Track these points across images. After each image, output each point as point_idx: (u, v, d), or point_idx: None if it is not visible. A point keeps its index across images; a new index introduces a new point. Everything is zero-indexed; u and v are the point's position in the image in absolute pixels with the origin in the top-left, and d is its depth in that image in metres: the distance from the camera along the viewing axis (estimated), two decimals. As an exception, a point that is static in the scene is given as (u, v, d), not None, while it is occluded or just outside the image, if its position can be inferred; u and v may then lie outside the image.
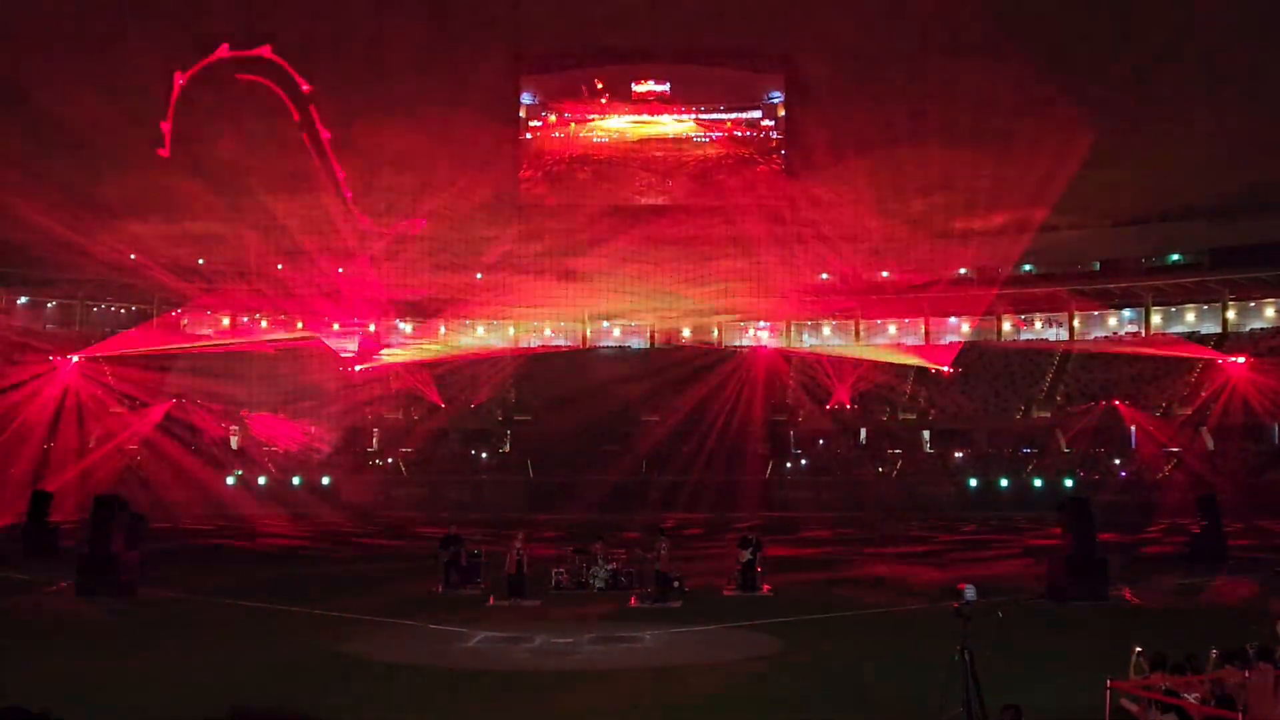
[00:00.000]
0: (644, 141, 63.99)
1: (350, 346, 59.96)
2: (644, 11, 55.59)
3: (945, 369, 57.80)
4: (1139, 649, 11.29)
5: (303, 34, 47.36)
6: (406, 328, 63.81)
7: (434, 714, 13.52)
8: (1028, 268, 59.86)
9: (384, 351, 60.26)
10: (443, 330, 63.69)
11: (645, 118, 63.92)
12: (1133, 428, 51.86)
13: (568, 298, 61.06)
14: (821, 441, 56.29)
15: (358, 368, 58.59)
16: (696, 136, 64.27)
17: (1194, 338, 56.06)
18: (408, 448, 54.98)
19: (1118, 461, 51.00)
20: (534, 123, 64.62)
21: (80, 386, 50.26)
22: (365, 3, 52.43)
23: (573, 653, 17.04)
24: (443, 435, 55.91)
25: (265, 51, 35.86)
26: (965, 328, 61.66)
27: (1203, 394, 51.89)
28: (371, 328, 62.11)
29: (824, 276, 61.15)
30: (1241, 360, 51.36)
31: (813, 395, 57.66)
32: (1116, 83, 49.41)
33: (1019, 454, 52.86)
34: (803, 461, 54.89)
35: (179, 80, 38.70)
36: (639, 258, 58.39)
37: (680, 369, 58.21)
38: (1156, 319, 58.60)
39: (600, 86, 63.57)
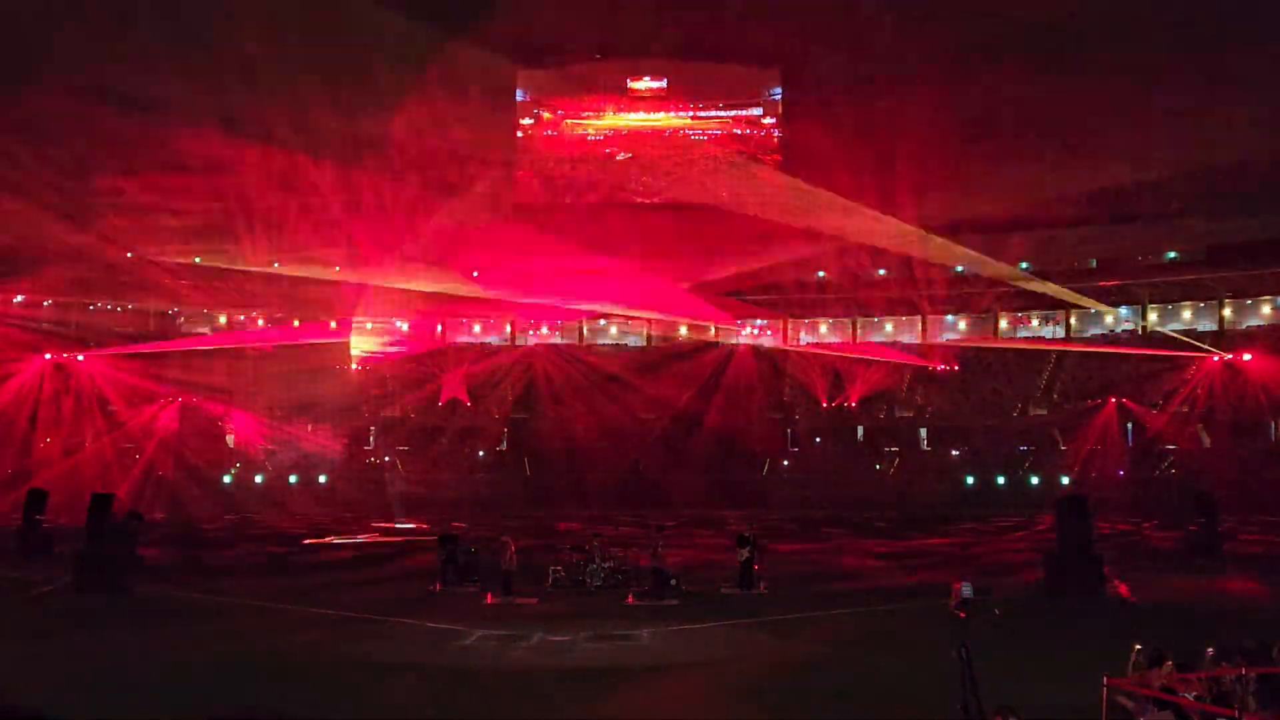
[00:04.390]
0: (640, 138, 63.82)
1: (348, 343, 59.86)
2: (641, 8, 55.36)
3: (942, 367, 57.84)
4: (1138, 646, 11.28)
5: (297, 27, 47.04)
6: (403, 325, 63.70)
7: (431, 712, 13.51)
8: (1024, 265, 59.85)
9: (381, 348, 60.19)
10: (439, 329, 63.60)
11: (642, 115, 63.74)
12: (1129, 425, 51.90)
13: (564, 295, 61.00)
14: (818, 439, 56.32)
15: (355, 365, 58.56)
16: (694, 135, 64.12)
17: (1191, 335, 56.09)
18: (404, 446, 55.01)
19: (1115, 459, 51.01)
20: (526, 120, 64.28)
21: (75, 384, 50.28)
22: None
23: (570, 651, 17.04)
24: (439, 433, 55.87)
25: None
26: (962, 325, 61.72)
27: (1200, 391, 51.94)
28: (369, 325, 61.98)
29: (820, 275, 61.11)
30: (1235, 357, 51.48)
31: (810, 393, 57.68)
32: (1114, 79, 49.31)
33: (1016, 452, 52.88)
34: (800, 459, 54.92)
35: None
36: (635, 255, 58.24)
37: (677, 367, 58.21)
38: (1153, 317, 58.64)
39: (596, 83, 63.35)
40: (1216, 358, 52.21)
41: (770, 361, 60.59)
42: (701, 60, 62.07)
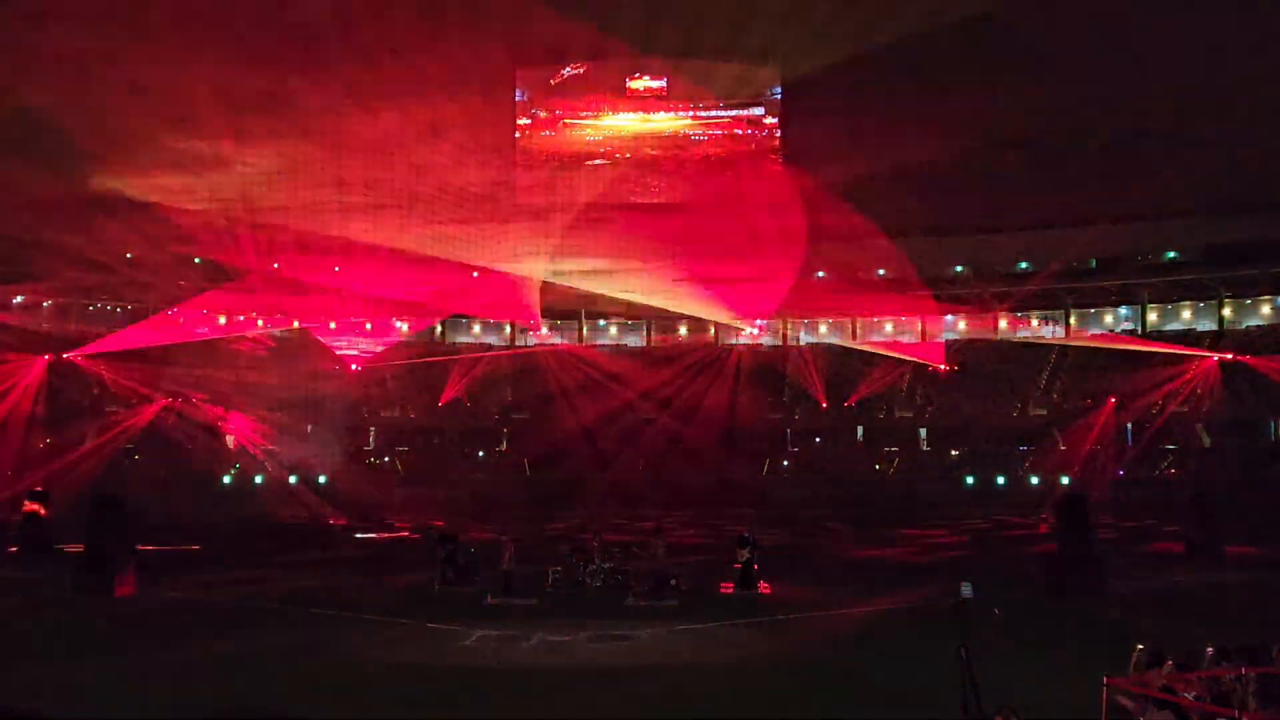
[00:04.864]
0: (639, 139, 63.71)
1: (347, 344, 59.87)
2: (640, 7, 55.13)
3: (942, 366, 57.90)
4: (1141, 646, 11.27)
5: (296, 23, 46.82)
6: (403, 326, 63.80)
7: (432, 712, 13.51)
8: (1024, 265, 59.88)
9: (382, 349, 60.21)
10: (439, 329, 63.66)
11: (641, 115, 63.60)
12: (1129, 425, 51.91)
13: (564, 296, 61.11)
14: (818, 439, 56.35)
15: (355, 366, 58.59)
16: (695, 135, 63.99)
17: (1190, 335, 56.14)
18: (404, 446, 55.01)
19: (1114, 459, 51.01)
20: (523, 120, 64.03)
21: (75, 385, 50.32)
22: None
23: (569, 651, 17.05)
24: (439, 434, 55.86)
25: None
26: (962, 325, 61.72)
27: (1199, 391, 51.99)
28: (368, 326, 62.04)
29: (820, 275, 61.11)
30: (1235, 358, 51.58)
31: (809, 393, 57.71)
32: (1113, 78, 49.32)
33: (1016, 452, 52.88)
34: (799, 459, 54.96)
35: None
36: (635, 256, 58.21)
37: (677, 367, 58.26)
38: (1153, 316, 58.71)
39: (595, 83, 63.17)
40: (1216, 358, 52.27)
41: (769, 361, 60.66)
42: (701, 59, 61.84)
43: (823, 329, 63.97)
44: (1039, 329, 61.56)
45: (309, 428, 53.58)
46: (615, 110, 63.18)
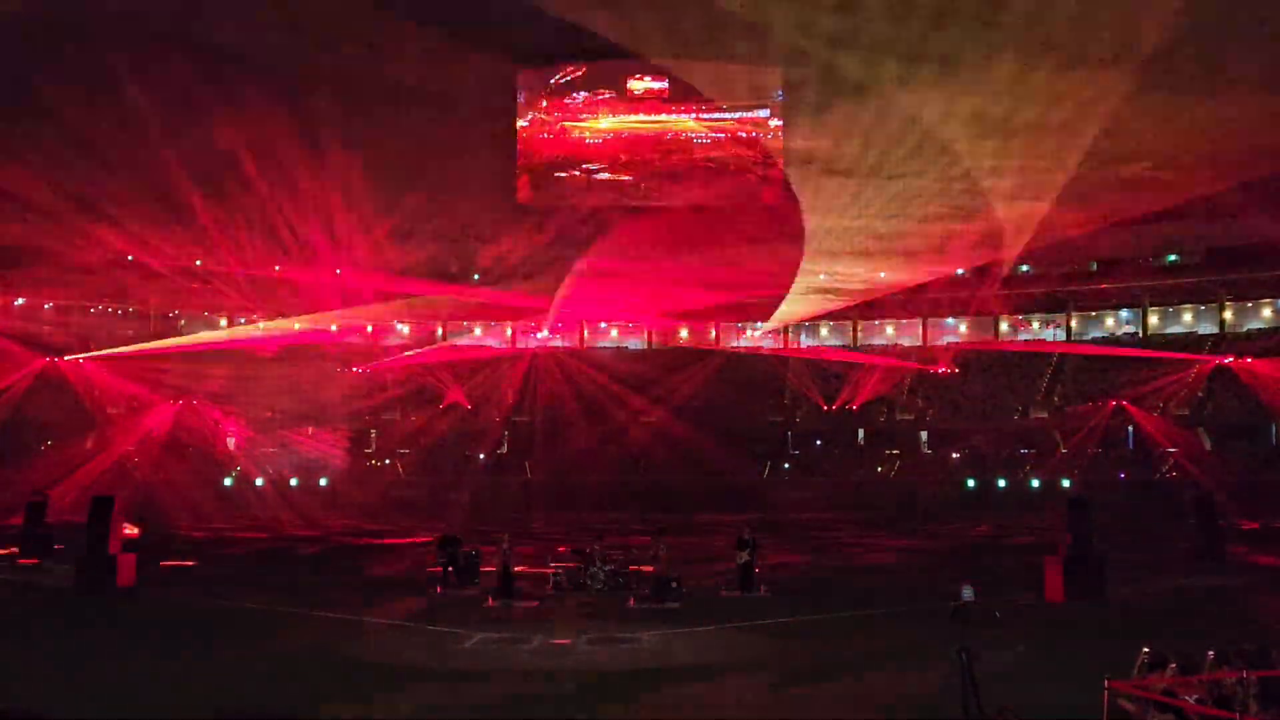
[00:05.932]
0: (639, 140, 63.64)
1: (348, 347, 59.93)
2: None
3: (942, 370, 57.88)
4: (1146, 649, 11.26)
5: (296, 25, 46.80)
6: (404, 329, 63.80)
7: (432, 715, 13.52)
8: (1025, 268, 59.84)
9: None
10: (440, 331, 63.68)
11: (642, 116, 63.53)
12: (1130, 428, 51.87)
13: (564, 298, 61.00)
14: (819, 442, 56.34)
15: (356, 369, 58.62)
16: (697, 138, 63.90)
17: (1191, 338, 56.10)
18: (405, 449, 55.03)
19: (1115, 462, 50.99)
20: (521, 122, 63.90)
21: (75, 388, 50.35)
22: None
23: (570, 654, 17.05)
24: (440, 436, 55.86)
25: None
26: (963, 328, 61.68)
27: (1200, 394, 51.94)
28: (369, 329, 62.05)
29: (821, 277, 61.06)
30: (1236, 360, 51.56)
31: (809, 396, 57.70)
32: (1117, 78, 49.18)
33: (1017, 455, 52.85)
34: (800, 462, 54.95)
35: None
36: (635, 258, 58.22)
37: (677, 370, 58.26)
38: (1154, 319, 58.67)
39: (595, 83, 63.09)
40: (1218, 360, 52.23)
41: (769, 364, 60.66)
42: (703, 60, 61.67)
43: (823, 331, 63.98)
44: (1040, 332, 61.58)
45: (310, 430, 53.60)
46: (615, 112, 63.05)
